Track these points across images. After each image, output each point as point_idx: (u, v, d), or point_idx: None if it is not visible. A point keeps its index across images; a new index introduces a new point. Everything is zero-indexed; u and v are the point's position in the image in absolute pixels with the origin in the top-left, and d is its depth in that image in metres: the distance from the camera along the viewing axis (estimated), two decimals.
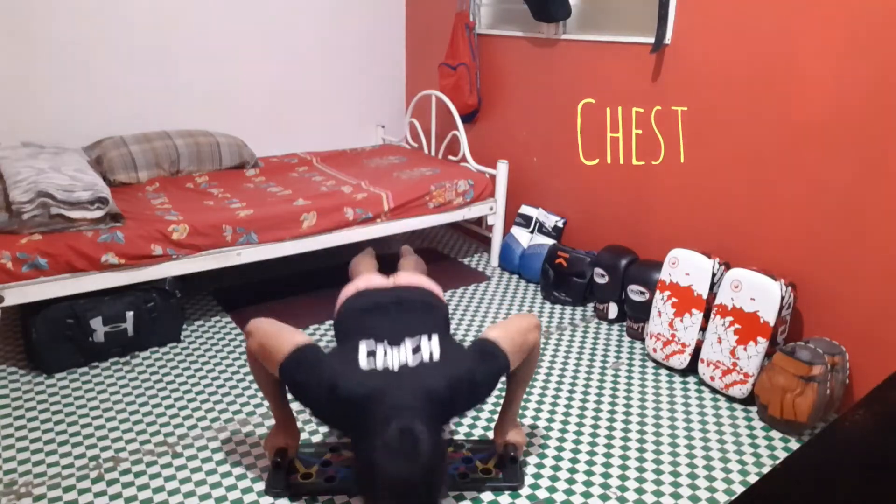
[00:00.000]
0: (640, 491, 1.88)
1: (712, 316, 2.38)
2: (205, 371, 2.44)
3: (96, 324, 2.38)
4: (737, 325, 2.28)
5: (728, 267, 2.47)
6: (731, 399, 2.34)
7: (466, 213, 3.31)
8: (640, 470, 1.96)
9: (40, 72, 3.03)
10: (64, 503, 1.77)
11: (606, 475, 1.94)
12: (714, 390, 2.39)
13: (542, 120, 3.32)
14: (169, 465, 1.93)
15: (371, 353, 1.67)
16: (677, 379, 2.47)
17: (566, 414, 2.23)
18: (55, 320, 2.32)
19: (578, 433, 2.13)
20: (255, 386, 2.34)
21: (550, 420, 2.20)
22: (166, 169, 3.10)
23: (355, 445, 1.61)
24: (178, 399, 2.26)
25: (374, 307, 1.92)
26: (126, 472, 1.90)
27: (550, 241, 3.27)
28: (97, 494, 1.81)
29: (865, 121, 2.08)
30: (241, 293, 3.10)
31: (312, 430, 2.12)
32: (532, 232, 3.41)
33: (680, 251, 2.50)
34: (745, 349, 2.26)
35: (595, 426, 2.17)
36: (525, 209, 3.48)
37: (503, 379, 1.79)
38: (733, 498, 1.04)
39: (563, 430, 2.14)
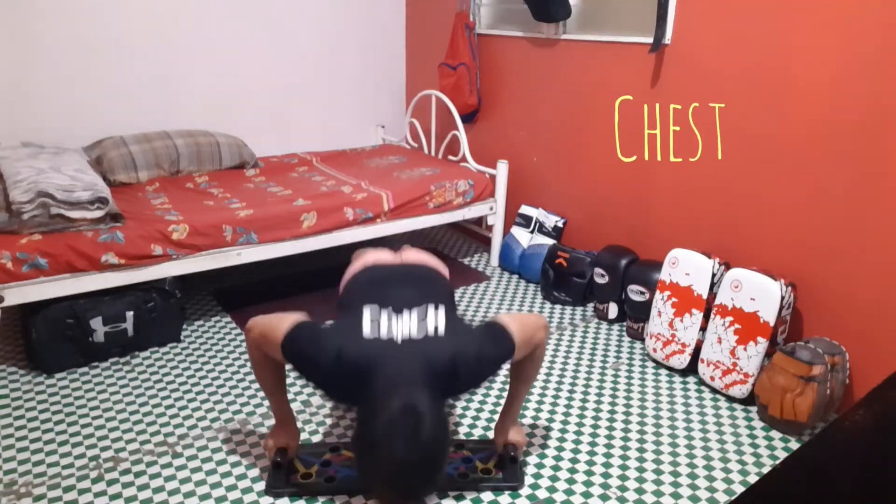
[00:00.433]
0: (640, 491, 1.88)
1: (712, 316, 2.38)
2: (205, 371, 2.44)
3: (96, 324, 2.38)
4: (737, 325, 2.28)
5: (728, 267, 2.47)
6: (731, 399, 2.34)
7: (466, 213, 3.31)
8: (640, 470, 1.96)
9: (40, 72, 3.03)
10: (64, 503, 1.77)
11: (606, 475, 1.94)
12: (714, 390, 2.39)
13: (542, 120, 3.32)
14: (169, 465, 1.93)
15: (374, 321, 1.65)
16: (677, 379, 2.47)
17: (566, 414, 2.23)
18: (55, 320, 2.32)
19: (578, 433, 2.13)
20: (255, 386, 2.34)
21: (550, 420, 2.20)
22: (166, 169, 3.10)
23: (360, 422, 1.57)
24: (178, 399, 2.26)
25: (382, 277, 1.91)
26: (126, 472, 1.90)
27: (550, 241, 3.27)
28: (97, 494, 1.81)
29: (866, 121, 2.08)
30: (241, 293, 3.10)
31: (312, 431, 2.12)
32: (532, 232, 3.41)
33: (680, 251, 2.50)
34: (745, 349, 2.26)
35: (595, 426, 2.17)
36: (525, 209, 3.48)
37: (503, 378, 1.79)
38: (733, 498, 1.04)
39: (563, 430, 2.14)
